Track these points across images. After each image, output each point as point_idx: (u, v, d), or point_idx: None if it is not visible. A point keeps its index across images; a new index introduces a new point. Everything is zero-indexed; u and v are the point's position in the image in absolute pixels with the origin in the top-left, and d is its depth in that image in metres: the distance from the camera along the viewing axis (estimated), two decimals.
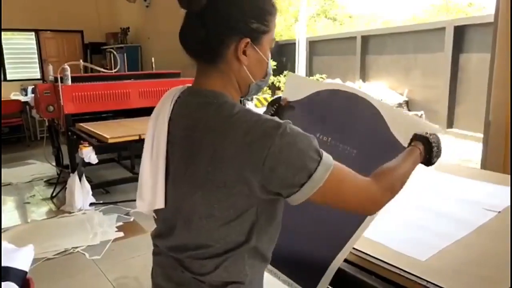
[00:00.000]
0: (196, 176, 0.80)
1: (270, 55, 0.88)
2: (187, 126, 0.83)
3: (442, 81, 7.69)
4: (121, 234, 3.16)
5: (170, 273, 0.90)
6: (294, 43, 11.77)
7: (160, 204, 0.86)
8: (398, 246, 1.16)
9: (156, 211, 0.92)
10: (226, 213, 0.80)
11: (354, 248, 1.15)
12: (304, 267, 1.16)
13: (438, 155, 0.99)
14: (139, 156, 3.86)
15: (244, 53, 0.82)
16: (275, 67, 12.09)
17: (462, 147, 6.69)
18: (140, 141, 3.37)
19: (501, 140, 2.46)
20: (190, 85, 0.89)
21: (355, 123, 1.17)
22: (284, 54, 13.74)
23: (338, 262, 1.09)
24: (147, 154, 0.90)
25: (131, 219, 3.45)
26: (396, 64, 8.91)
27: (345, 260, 1.15)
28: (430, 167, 1.00)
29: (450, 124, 7.73)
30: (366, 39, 9.43)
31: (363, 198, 0.82)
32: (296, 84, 1.29)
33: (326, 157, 0.77)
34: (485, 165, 2.58)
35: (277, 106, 1.19)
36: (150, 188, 0.87)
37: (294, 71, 11.91)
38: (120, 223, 3.36)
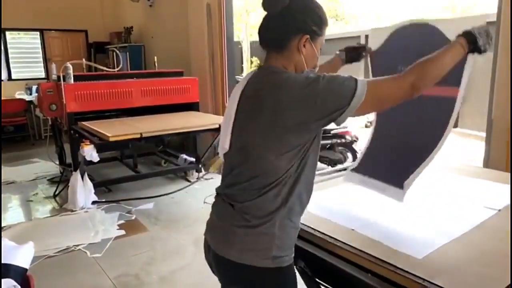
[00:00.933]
0: (260, 121, 1.05)
1: (319, 54, 1.14)
2: (256, 87, 1.11)
3: None
4: (123, 232, 3.16)
5: (222, 211, 1.17)
6: None
7: (226, 146, 1.14)
8: (395, 243, 1.15)
9: (225, 158, 1.19)
10: (280, 148, 1.04)
11: (350, 246, 1.15)
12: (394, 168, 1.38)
13: (486, 42, 1.14)
14: (141, 155, 3.86)
15: (304, 46, 1.10)
16: None
17: (466, 146, 6.65)
18: (142, 139, 3.38)
19: (503, 139, 2.44)
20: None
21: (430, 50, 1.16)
22: None
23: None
24: (226, 115, 1.17)
25: (133, 218, 3.46)
26: None
27: (341, 258, 1.14)
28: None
29: (454, 124, 7.65)
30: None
31: (399, 87, 1.04)
32: (377, 35, 1.54)
33: (361, 79, 1.02)
34: (487, 163, 2.56)
35: (358, 54, 1.54)
36: (224, 137, 1.15)
37: None
38: (122, 222, 3.37)
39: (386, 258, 1.06)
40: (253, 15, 16.33)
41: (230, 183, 1.16)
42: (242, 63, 13.44)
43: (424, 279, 0.97)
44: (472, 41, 1.12)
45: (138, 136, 3.33)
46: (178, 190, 4.15)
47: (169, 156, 5.14)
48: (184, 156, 4.74)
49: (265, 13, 1.12)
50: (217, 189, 1.23)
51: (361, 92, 0.99)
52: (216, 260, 1.17)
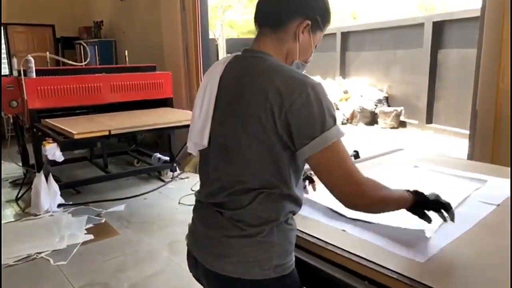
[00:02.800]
0: (241, 113, 0.92)
1: (314, 49, 1.04)
2: (237, 74, 0.97)
3: (422, 77, 7.69)
4: (91, 237, 2.94)
5: (209, 220, 1.01)
6: None
7: (205, 142, 0.99)
8: (393, 246, 1.02)
9: (202, 156, 1.04)
10: (263, 146, 0.90)
11: (343, 250, 1.01)
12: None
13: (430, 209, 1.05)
14: (112, 154, 3.61)
15: (302, 32, 0.99)
16: None
17: (441, 142, 6.70)
18: (111, 137, 3.16)
19: (488, 130, 2.38)
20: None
21: None
22: None
23: None
24: (198, 104, 1.04)
25: (103, 221, 3.24)
26: (376, 60, 8.89)
27: (335, 264, 1.00)
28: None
29: (429, 119, 7.74)
30: (346, 35, 9.38)
31: (352, 187, 0.90)
32: None
33: (338, 126, 0.89)
34: (472, 155, 2.50)
35: None
36: (199, 131, 1.01)
37: None
38: (90, 225, 3.14)
39: (385, 264, 0.93)
40: (228, 13, 16.17)
41: (214, 190, 1.00)
42: (218, 60, 13.28)
43: (428, 286, 0.85)
44: (417, 205, 1.02)
45: (107, 133, 3.11)
46: (152, 190, 3.94)
47: (142, 155, 4.93)
48: (158, 155, 4.55)
49: None
50: (198, 197, 1.08)
51: (331, 136, 0.87)
52: (208, 276, 1.01)
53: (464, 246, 1.02)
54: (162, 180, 4.24)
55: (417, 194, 1.02)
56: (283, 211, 0.96)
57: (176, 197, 3.67)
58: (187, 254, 1.10)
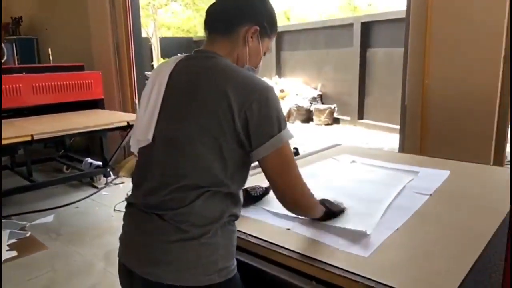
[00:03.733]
0: (196, 107, 0.91)
1: (263, 54, 1.09)
2: (192, 70, 0.97)
3: (352, 75, 8.05)
4: (14, 253, 2.66)
5: (145, 226, 0.95)
6: None
7: (150, 137, 0.96)
8: (338, 243, 1.01)
9: (142, 154, 1.01)
10: (215, 141, 0.90)
11: (289, 250, 0.98)
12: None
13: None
14: (38, 161, 3.26)
15: (251, 37, 1.03)
16: None
17: (373, 137, 7.06)
18: (34, 143, 2.89)
19: (416, 124, 2.52)
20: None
21: None
22: None
23: None
24: (144, 101, 1.02)
25: (27, 235, 2.95)
26: (309, 60, 9.15)
27: (280, 265, 0.97)
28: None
29: (361, 115, 8.13)
30: (280, 35, 9.54)
31: (298, 188, 0.97)
32: None
33: (289, 130, 0.94)
34: (403, 148, 2.63)
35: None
36: (145, 126, 0.97)
37: None
38: (13, 241, 2.85)
39: (331, 261, 0.92)
40: (160, 12, 15.73)
41: (154, 187, 0.95)
42: (152, 60, 12.85)
43: (375, 281, 0.85)
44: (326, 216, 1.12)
45: (29, 138, 2.84)
46: (84, 198, 3.69)
47: (72, 161, 4.60)
48: (89, 160, 4.27)
49: None
50: (130, 199, 1.02)
51: (285, 136, 0.92)
52: (144, 286, 0.93)
53: (406, 237, 1.05)
54: (95, 187, 3.99)
55: (325, 205, 1.12)
56: (227, 211, 0.94)
57: (111, 204, 3.47)
58: (120, 269, 1.02)
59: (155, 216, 0.93)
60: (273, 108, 0.91)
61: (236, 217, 0.99)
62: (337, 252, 0.97)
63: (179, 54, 1.05)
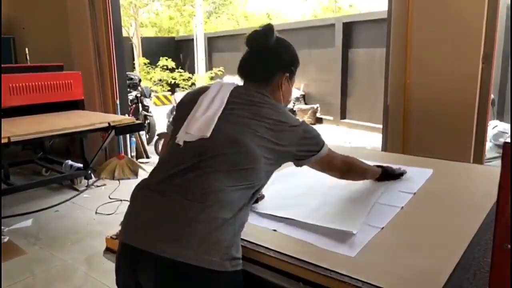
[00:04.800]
0: (243, 126, 1.05)
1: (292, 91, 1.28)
2: (245, 100, 1.11)
3: (335, 75, 8.12)
4: None
5: (163, 204, 0.99)
6: (192, 39, 11.47)
7: (208, 133, 1.05)
8: (324, 243, 1.01)
9: (176, 146, 1.09)
10: (262, 142, 1.04)
11: (275, 251, 0.97)
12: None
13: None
14: (15, 164, 3.15)
15: (283, 83, 1.21)
16: (173, 62, 11.66)
17: (355, 136, 7.14)
18: (11, 145, 2.81)
19: (398, 123, 2.55)
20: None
21: None
22: (181, 50, 13.33)
23: None
24: (205, 103, 1.12)
25: (5, 240, 2.86)
26: None
27: (267, 267, 0.96)
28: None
29: (343, 115, 8.21)
30: None
31: (335, 168, 1.28)
32: None
33: (326, 143, 1.19)
34: (385, 147, 2.66)
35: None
36: (204, 125, 1.06)
37: (193, 67, 11.61)
38: None
39: (318, 262, 0.91)
40: (141, 11, 15.54)
41: (184, 168, 1.01)
42: (133, 60, 12.67)
43: (362, 281, 0.84)
44: (386, 175, 1.45)
45: (6, 141, 2.75)
46: (64, 201, 3.60)
47: (51, 163, 4.48)
48: (70, 162, 4.18)
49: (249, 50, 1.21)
50: (145, 183, 1.07)
51: (324, 151, 1.16)
52: (155, 266, 0.93)
53: (391, 236, 1.05)
54: (76, 189, 3.90)
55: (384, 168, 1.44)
56: (247, 204, 1.02)
57: (93, 207, 3.38)
58: (121, 252, 1.03)
59: (179, 196, 0.97)
60: (311, 137, 1.16)
61: (247, 208, 1.03)
62: (324, 253, 0.96)
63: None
